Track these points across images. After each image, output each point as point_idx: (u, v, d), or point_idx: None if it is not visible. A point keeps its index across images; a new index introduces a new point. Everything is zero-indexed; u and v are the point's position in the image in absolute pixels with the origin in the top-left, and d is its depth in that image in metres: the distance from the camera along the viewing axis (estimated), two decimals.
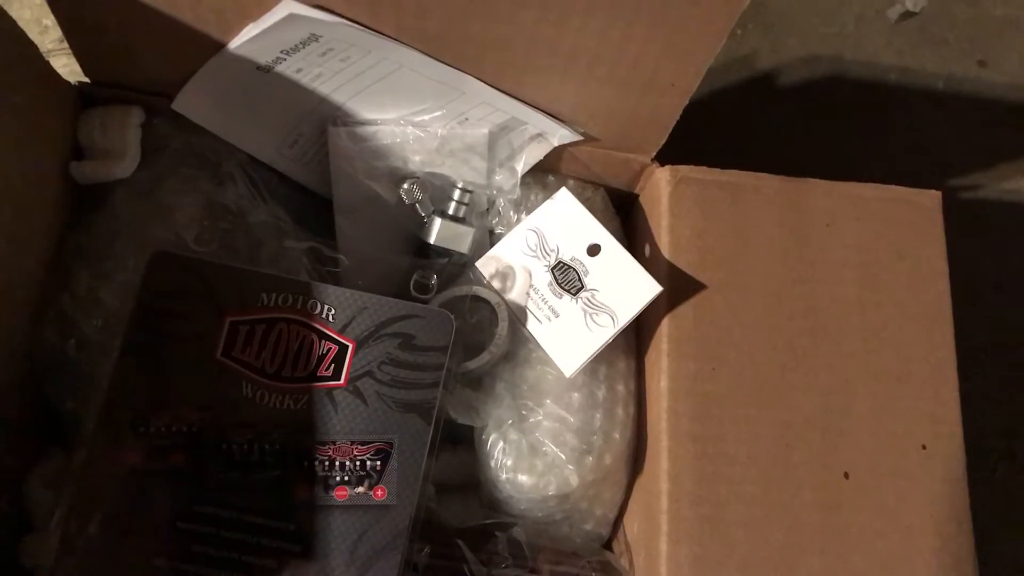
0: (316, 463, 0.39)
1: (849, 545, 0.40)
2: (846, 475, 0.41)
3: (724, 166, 0.46)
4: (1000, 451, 0.65)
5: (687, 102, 0.42)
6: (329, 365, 0.40)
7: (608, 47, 0.38)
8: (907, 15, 0.77)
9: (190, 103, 0.44)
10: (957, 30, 0.78)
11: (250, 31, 0.39)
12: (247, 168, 0.47)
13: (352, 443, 0.39)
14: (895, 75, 0.76)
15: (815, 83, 0.75)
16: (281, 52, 0.40)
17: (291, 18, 0.37)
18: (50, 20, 0.44)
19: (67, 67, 0.45)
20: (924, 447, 0.42)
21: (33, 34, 0.41)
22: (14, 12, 0.40)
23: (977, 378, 0.67)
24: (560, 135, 0.45)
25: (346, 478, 0.39)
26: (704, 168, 0.45)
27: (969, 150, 0.75)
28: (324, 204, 0.49)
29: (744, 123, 0.73)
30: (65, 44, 0.43)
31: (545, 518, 0.43)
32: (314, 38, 0.39)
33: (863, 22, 0.77)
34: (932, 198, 0.46)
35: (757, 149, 0.71)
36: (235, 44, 0.40)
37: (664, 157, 0.47)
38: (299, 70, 0.42)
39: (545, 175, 0.49)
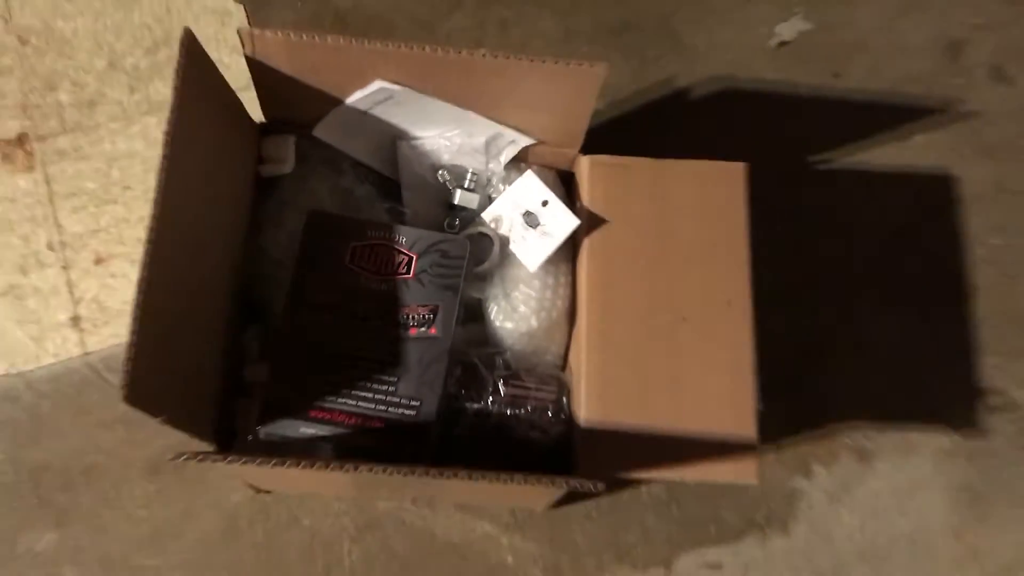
0: (399, 316, 0.74)
1: (683, 355, 0.74)
2: (684, 319, 0.76)
3: (647, 154, 0.77)
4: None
5: (588, 122, 0.76)
6: (404, 266, 0.75)
7: (542, 96, 0.73)
8: (783, 43, 1.09)
9: (323, 131, 0.79)
10: (819, 52, 1.08)
11: (358, 94, 0.74)
12: (354, 166, 0.81)
13: (418, 305, 0.74)
14: (774, 87, 1.06)
15: (717, 95, 1.05)
16: (373, 103, 0.76)
17: (381, 88, 0.73)
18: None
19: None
20: (729, 302, 0.76)
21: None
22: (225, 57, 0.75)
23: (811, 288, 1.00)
24: (525, 141, 0.80)
25: (415, 323, 0.74)
26: (610, 156, 0.78)
27: (826, 135, 1.05)
28: (396, 185, 0.81)
29: (664, 124, 1.03)
30: None
31: (523, 350, 0.77)
32: (391, 96, 0.75)
33: (752, 49, 1.08)
34: (741, 168, 0.78)
35: (673, 141, 1.01)
36: (349, 100, 0.75)
37: (602, 149, 0.76)
38: (382, 112, 0.78)
39: (519, 163, 0.80)
